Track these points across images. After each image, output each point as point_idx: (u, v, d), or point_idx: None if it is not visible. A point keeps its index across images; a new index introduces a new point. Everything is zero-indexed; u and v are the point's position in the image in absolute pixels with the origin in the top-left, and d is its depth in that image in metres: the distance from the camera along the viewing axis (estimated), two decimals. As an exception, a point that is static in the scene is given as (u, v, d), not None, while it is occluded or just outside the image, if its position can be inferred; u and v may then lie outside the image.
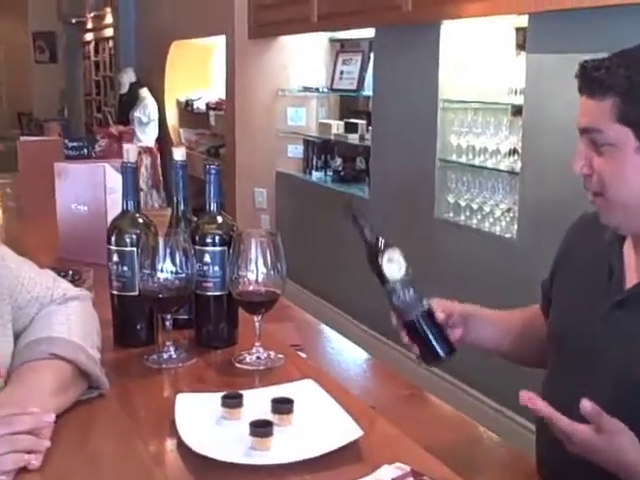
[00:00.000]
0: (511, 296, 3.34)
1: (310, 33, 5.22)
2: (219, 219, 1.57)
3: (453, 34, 3.77)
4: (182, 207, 1.64)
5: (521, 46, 3.59)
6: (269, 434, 1.14)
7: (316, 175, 5.47)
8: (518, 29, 3.66)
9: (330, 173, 5.36)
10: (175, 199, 1.64)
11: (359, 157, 5.21)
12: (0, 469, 1.05)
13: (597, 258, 1.41)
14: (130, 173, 1.55)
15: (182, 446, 1.16)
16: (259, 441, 1.14)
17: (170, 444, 1.20)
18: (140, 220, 1.58)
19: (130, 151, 1.54)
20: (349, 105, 5.86)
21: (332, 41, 5.61)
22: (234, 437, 1.18)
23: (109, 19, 10.12)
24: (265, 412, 1.21)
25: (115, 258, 1.56)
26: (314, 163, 5.54)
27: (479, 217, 3.71)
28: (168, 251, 1.46)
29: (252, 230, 1.49)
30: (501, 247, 3.50)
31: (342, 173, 5.25)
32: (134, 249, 1.54)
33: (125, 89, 8.64)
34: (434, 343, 1.42)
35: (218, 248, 1.54)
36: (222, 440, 1.17)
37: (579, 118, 1.31)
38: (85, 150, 3.71)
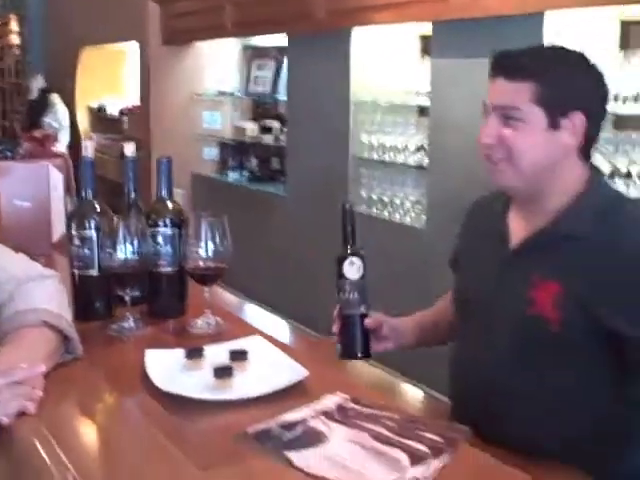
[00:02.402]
0: (422, 280, 3.65)
1: (224, 39, 5.42)
2: (169, 204, 1.78)
3: (363, 41, 4.05)
4: (133, 195, 1.83)
5: (425, 51, 3.89)
6: (231, 376, 1.36)
7: (232, 175, 5.67)
8: (422, 36, 3.97)
9: (246, 173, 5.57)
10: (127, 188, 1.83)
11: (274, 158, 5.45)
12: (4, 412, 1.25)
13: (489, 229, 1.68)
14: (89, 166, 1.75)
15: (154, 390, 1.36)
16: (222, 382, 1.36)
17: (142, 390, 1.40)
18: (98, 207, 1.77)
19: (89, 146, 1.74)
20: (261, 109, 6.08)
21: (245, 48, 5.82)
22: (200, 382, 1.39)
23: (15, 26, 10.04)
24: (224, 362, 1.43)
25: (76, 242, 1.75)
26: (230, 164, 5.74)
27: (390, 209, 4.00)
28: (127, 233, 1.65)
29: (202, 212, 1.70)
30: (412, 236, 3.79)
31: (258, 173, 5.47)
32: (94, 232, 1.73)
33: (34, 95, 8.62)
34: (355, 341, 1.62)
35: (169, 230, 1.75)
36: (189, 384, 1.38)
37: (493, 97, 1.54)
38: (8, 152, 3.84)
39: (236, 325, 1.75)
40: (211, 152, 5.97)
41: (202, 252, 1.68)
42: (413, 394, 1.82)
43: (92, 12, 7.35)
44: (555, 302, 1.47)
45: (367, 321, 1.63)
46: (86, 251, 1.75)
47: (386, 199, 3.99)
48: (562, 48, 1.60)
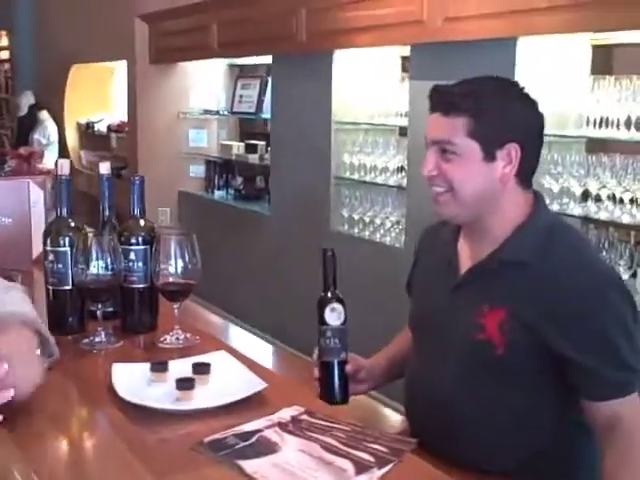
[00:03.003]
0: (401, 299, 3.69)
1: (211, 59, 5.51)
2: (142, 222, 1.84)
3: (345, 61, 4.12)
4: (107, 213, 1.89)
5: (406, 71, 3.96)
6: (192, 387, 1.41)
7: (218, 194, 5.74)
8: (404, 57, 4.04)
9: (231, 192, 5.64)
10: (101, 206, 1.89)
11: (259, 176, 5.52)
12: None
13: (439, 255, 1.74)
14: (65, 184, 1.80)
15: (119, 401, 1.41)
16: (184, 394, 1.41)
17: (109, 402, 1.45)
18: (72, 224, 1.83)
19: (64, 165, 1.79)
20: (247, 127, 6.16)
21: (231, 66, 5.91)
22: (163, 393, 1.44)
23: (4, 41, 10.12)
24: (187, 375, 1.48)
25: (51, 257, 1.80)
26: (216, 182, 5.81)
27: (371, 229, 4.06)
28: (100, 250, 1.71)
29: (172, 230, 1.76)
30: (391, 256, 3.85)
31: (243, 191, 5.54)
32: (68, 249, 1.78)
33: (24, 112, 8.69)
34: (335, 388, 1.70)
35: (141, 247, 1.81)
36: (153, 395, 1.43)
37: (431, 132, 1.61)
38: (-5, 170, 3.89)
39: (205, 341, 1.80)
40: (197, 170, 6.05)
41: (171, 269, 1.73)
42: (373, 409, 1.88)
43: (81, 30, 7.43)
44: (501, 326, 1.52)
45: (348, 367, 1.71)
46: (60, 266, 1.80)
47: (367, 219, 4.06)
48: (497, 79, 1.65)
